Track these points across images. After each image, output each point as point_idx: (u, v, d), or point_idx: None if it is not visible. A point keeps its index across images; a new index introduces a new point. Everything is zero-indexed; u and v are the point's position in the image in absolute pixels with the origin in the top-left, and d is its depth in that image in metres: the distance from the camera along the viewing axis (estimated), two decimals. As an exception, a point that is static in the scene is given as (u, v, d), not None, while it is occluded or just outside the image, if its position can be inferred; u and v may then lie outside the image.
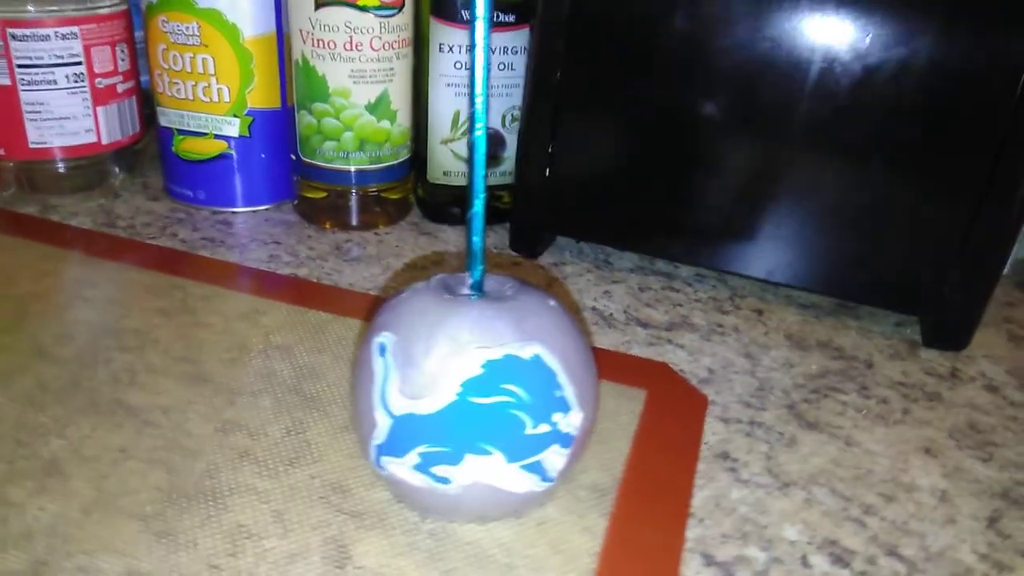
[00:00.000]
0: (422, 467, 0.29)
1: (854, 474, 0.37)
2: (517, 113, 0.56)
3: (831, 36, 0.45)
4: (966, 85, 0.43)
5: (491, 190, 0.58)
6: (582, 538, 0.32)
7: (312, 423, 0.37)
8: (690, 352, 0.46)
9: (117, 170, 0.60)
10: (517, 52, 0.54)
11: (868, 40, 0.44)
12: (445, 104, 0.55)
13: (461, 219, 0.59)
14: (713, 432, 0.39)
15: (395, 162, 0.56)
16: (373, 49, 0.52)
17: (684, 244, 0.52)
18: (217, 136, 0.55)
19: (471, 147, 0.31)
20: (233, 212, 0.58)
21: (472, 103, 0.30)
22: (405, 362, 0.29)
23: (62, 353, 0.40)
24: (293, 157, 0.56)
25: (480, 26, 0.29)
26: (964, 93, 0.44)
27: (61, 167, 0.57)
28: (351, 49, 0.51)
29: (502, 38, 0.53)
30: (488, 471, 0.29)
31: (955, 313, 0.48)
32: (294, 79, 0.53)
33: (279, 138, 0.57)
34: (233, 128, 0.55)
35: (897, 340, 0.49)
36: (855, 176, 0.47)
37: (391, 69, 0.53)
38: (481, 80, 0.30)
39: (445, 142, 0.56)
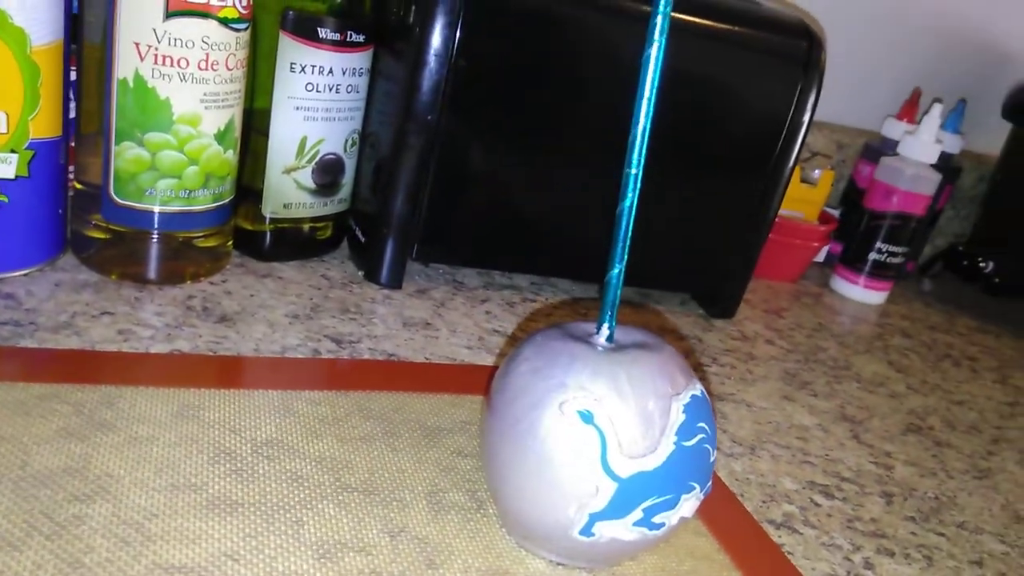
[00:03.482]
0: (644, 521, 0.30)
1: (751, 414, 0.47)
2: (357, 138, 0.52)
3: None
4: (748, 139, 0.57)
5: (329, 218, 0.53)
6: (698, 539, 0.36)
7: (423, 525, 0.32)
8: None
9: None
10: (362, 74, 0.50)
11: (677, 104, 0.54)
12: (292, 129, 0.48)
13: (311, 253, 0.54)
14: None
15: (229, 199, 0.47)
16: (228, 68, 0.43)
17: (542, 258, 0.57)
18: (-16, 179, 0.40)
19: (622, 214, 0.31)
20: (2, 279, 0.42)
21: (629, 169, 0.30)
22: (621, 425, 0.29)
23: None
24: (74, 191, 0.43)
25: (646, 99, 0.30)
26: (746, 143, 0.57)
27: None
28: (206, 69, 0.42)
29: (350, 59, 0.49)
30: (692, 506, 0.31)
31: (730, 295, 0.62)
32: (115, 102, 0.41)
33: (58, 176, 0.43)
34: (9, 168, 0.40)
35: (693, 316, 0.61)
36: (665, 198, 0.57)
37: (238, 91, 0.45)
38: (640, 145, 0.30)
39: (288, 171, 0.49)
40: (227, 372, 0.40)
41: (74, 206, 0.46)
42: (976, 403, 0.58)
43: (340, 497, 0.33)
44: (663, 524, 0.31)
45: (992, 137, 0.87)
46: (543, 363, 0.31)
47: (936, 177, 0.72)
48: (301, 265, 0.53)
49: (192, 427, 0.35)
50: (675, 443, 0.30)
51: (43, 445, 0.32)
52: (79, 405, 0.35)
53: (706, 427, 0.31)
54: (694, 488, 0.31)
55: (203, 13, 0.41)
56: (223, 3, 0.41)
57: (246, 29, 0.44)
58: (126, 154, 0.42)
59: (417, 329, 0.48)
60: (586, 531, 0.30)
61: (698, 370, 0.52)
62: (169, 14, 0.40)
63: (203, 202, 0.45)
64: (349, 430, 0.37)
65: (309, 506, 0.32)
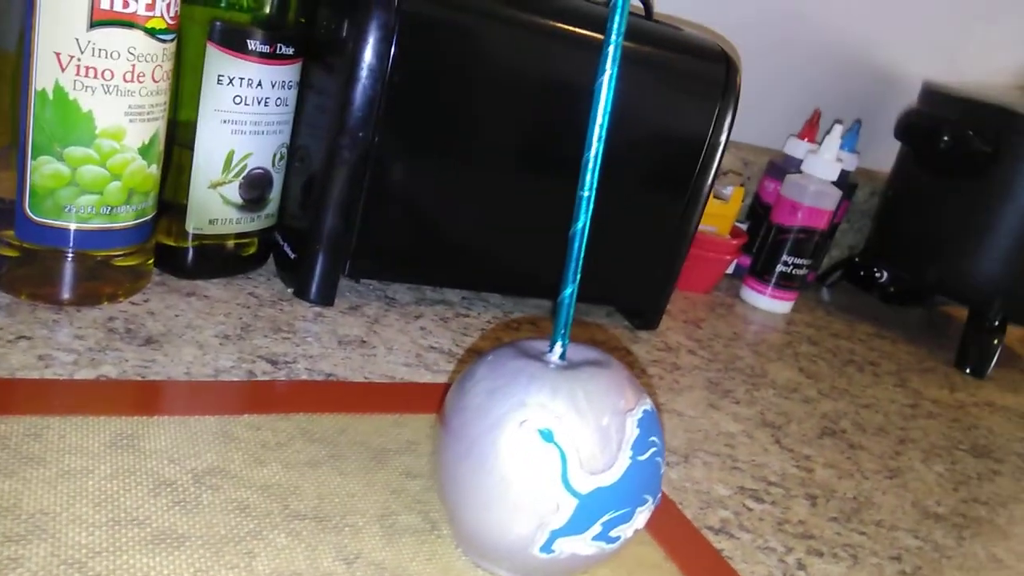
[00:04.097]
0: (601, 535, 0.30)
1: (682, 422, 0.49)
2: (285, 152, 0.51)
3: (582, 125, 0.55)
4: (671, 158, 0.59)
5: (255, 234, 0.52)
6: (644, 548, 0.36)
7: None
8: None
9: None
10: (291, 87, 0.49)
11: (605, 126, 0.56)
12: (218, 143, 0.46)
13: (236, 270, 0.52)
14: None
15: (152, 216, 0.45)
16: (155, 81, 0.41)
17: (474, 273, 0.57)
18: None
19: (575, 236, 0.31)
20: None
21: (582, 191, 0.31)
22: (581, 441, 0.29)
23: None
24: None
25: (600, 120, 0.30)
26: (668, 162, 0.59)
27: None
28: (131, 81, 0.40)
29: (279, 72, 0.48)
30: (645, 518, 0.32)
31: (654, 306, 0.64)
32: (32, 114, 0.39)
33: (-37, 190, 0.41)
34: (-91, 181, 0.37)
35: (620, 328, 0.63)
36: (594, 215, 0.59)
37: (164, 104, 0.43)
38: (593, 169, 0.31)
39: (214, 186, 0.47)
40: (160, 398, 0.38)
41: (-19, 223, 0.43)
42: (881, 406, 0.62)
43: (291, 525, 0.32)
44: (619, 537, 0.31)
45: (883, 154, 0.93)
46: (501, 383, 0.31)
47: (837, 193, 0.76)
48: (226, 283, 0.51)
49: (128, 458, 0.33)
50: (631, 458, 0.30)
51: (-35, 483, 0.30)
52: (2, 438, 0.32)
53: (657, 440, 0.32)
54: (647, 500, 0.32)
55: (129, 23, 0.39)
56: (150, 13, 0.40)
57: (172, 40, 0.42)
58: (43, 169, 0.40)
59: (353, 347, 0.47)
60: (546, 548, 0.30)
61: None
62: (93, 23, 0.38)
63: (125, 219, 0.43)
64: (293, 455, 0.36)
65: (259, 536, 0.31)
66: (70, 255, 0.43)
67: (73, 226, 0.42)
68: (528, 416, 0.30)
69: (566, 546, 0.30)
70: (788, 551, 0.40)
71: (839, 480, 0.49)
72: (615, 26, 0.31)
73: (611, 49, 0.30)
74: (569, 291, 0.33)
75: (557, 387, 0.31)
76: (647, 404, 0.33)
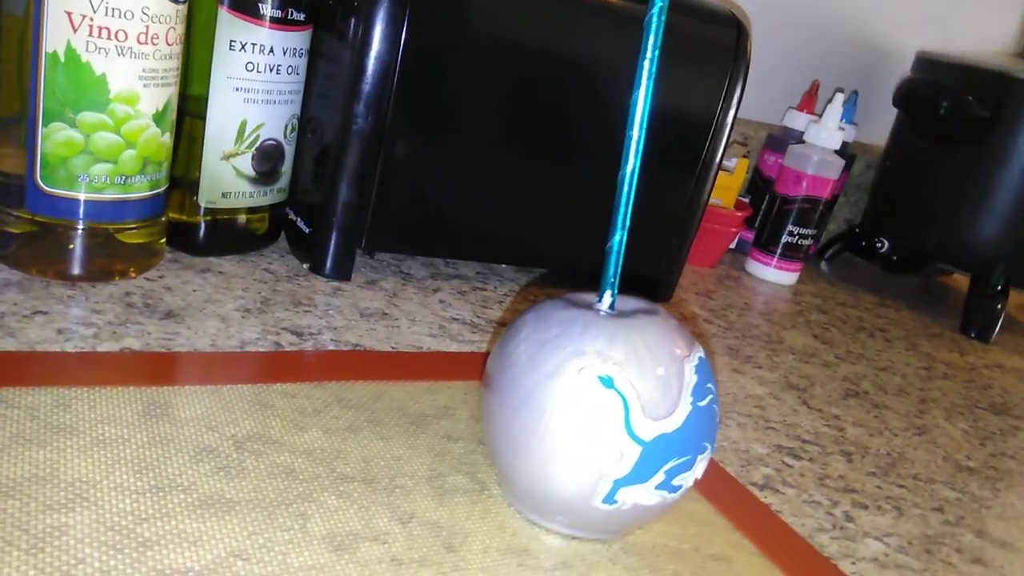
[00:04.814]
0: (664, 484, 0.29)
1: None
2: (296, 123, 0.49)
3: (596, 99, 0.54)
4: (684, 129, 0.58)
5: (266, 209, 0.50)
6: (695, 504, 0.36)
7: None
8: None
9: None
10: (302, 55, 0.48)
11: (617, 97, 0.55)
12: (231, 112, 0.45)
13: (249, 247, 0.50)
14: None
15: (164, 188, 0.44)
16: (168, 44, 0.40)
17: (490, 245, 0.56)
18: None
19: (623, 181, 0.31)
20: (-97, 279, 0.37)
21: (629, 134, 0.30)
22: (642, 388, 0.29)
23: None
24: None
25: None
26: (681, 133, 0.58)
27: None
28: (145, 43, 0.38)
29: (290, 38, 0.46)
30: (703, 467, 0.31)
31: (667, 277, 0.64)
32: (43, 78, 0.37)
33: (-31, 162, 0.39)
34: (-85, 150, 0.36)
35: (633, 302, 0.62)
36: (608, 189, 0.58)
37: (176, 69, 0.41)
38: (644, 110, 0.30)
39: (227, 157, 0.46)
40: (190, 368, 0.37)
41: (-13, 198, 0.41)
42: (897, 369, 0.62)
43: (340, 488, 0.31)
44: (680, 486, 0.31)
45: (875, 128, 0.94)
46: (553, 332, 0.30)
47: (840, 162, 0.76)
48: (239, 259, 0.49)
49: (164, 426, 0.32)
50: (691, 404, 0.30)
51: (0, 453, 0.28)
52: (31, 409, 0.31)
53: (712, 388, 0.32)
54: (706, 448, 0.31)
55: (142, -19, 0.38)
56: (163, -28, 0.38)
57: (185, 3, 0.41)
58: (55, 136, 0.38)
59: (376, 319, 0.46)
60: (609, 499, 0.29)
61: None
62: (106, -19, 0.37)
63: (139, 189, 0.41)
64: (332, 421, 0.35)
65: (310, 499, 0.30)
66: (81, 228, 0.41)
67: (85, 196, 0.40)
68: (586, 364, 0.29)
69: (629, 496, 0.30)
70: (834, 504, 0.40)
71: (870, 437, 0.49)
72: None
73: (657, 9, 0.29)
74: (618, 238, 0.32)
75: (614, 334, 0.30)
76: (700, 351, 0.32)
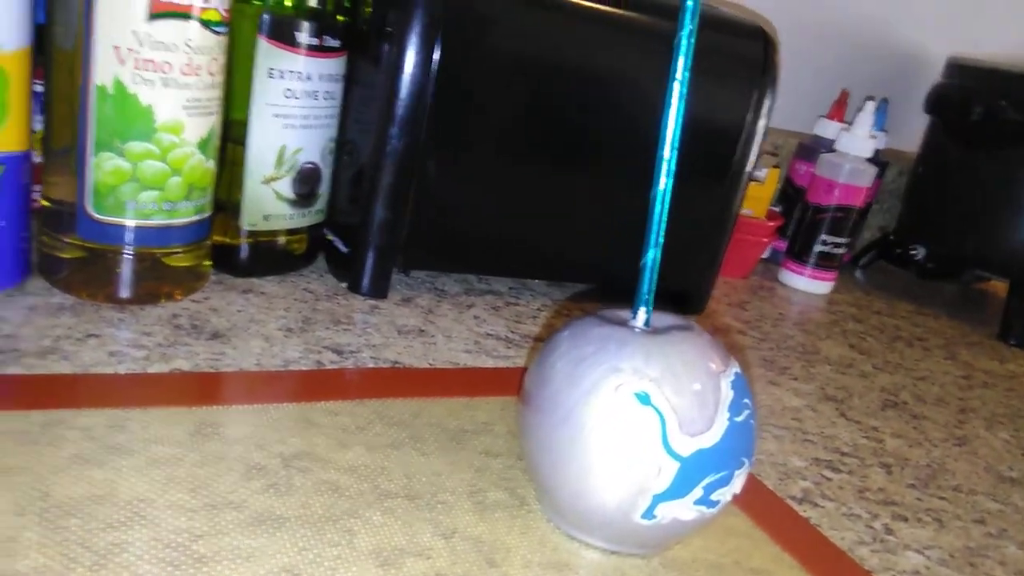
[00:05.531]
0: (703, 499, 0.30)
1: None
2: (333, 146, 0.51)
3: (625, 114, 0.55)
4: (713, 141, 0.59)
5: (305, 230, 0.51)
6: (733, 518, 0.36)
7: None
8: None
9: None
10: (337, 80, 0.49)
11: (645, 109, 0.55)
12: (270, 137, 0.46)
13: (288, 267, 0.52)
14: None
15: (209, 213, 0.45)
16: (210, 74, 0.41)
17: (523, 261, 0.57)
18: (-51, 197, 0.37)
19: (655, 200, 0.31)
20: (-36, 305, 0.39)
21: (661, 155, 0.31)
22: (678, 404, 0.29)
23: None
24: (42, 210, 0.40)
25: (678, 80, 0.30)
26: (710, 145, 0.59)
27: None
28: (189, 74, 0.40)
29: (326, 64, 0.48)
30: (741, 481, 0.31)
31: (700, 290, 0.64)
32: (92, 110, 0.39)
33: (25, 194, 0.40)
34: (-25, 183, 0.37)
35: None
36: (639, 203, 0.59)
37: (219, 98, 0.43)
38: (674, 132, 0.30)
39: (268, 181, 0.47)
40: (237, 387, 0.38)
41: (42, 226, 0.43)
42: (936, 378, 0.62)
43: (384, 504, 0.32)
44: (718, 501, 0.31)
45: (907, 134, 0.93)
46: (590, 350, 0.31)
47: (872, 170, 0.76)
48: (280, 280, 0.51)
49: (215, 445, 0.33)
50: (728, 419, 0.30)
51: (60, 474, 0.29)
52: (87, 430, 0.32)
53: (749, 403, 0.32)
54: (744, 463, 0.31)
55: (186, 15, 0.39)
56: (206, 4, 0.40)
57: (226, 33, 0.42)
58: (105, 165, 0.40)
59: (413, 336, 0.47)
60: (648, 514, 0.30)
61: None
62: (152, 15, 0.38)
63: (185, 214, 0.43)
64: (374, 438, 0.36)
65: (355, 515, 0.31)
66: (130, 253, 0.42)
67: (133, 222, 0.41)
68: (623, 381, 0.30)
69: (668, 511, 0.30)
70: (874, 517, 0.40)
71: (910, 448, 0.48)
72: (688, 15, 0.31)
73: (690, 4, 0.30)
74: (651, 255, 0.33)
75: (649, 351, 0.30)
76: (736, 367, 0.32)
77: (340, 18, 0.49)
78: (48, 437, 0.31)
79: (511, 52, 0.50)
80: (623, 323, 0.33)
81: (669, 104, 0.31)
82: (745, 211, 0.76)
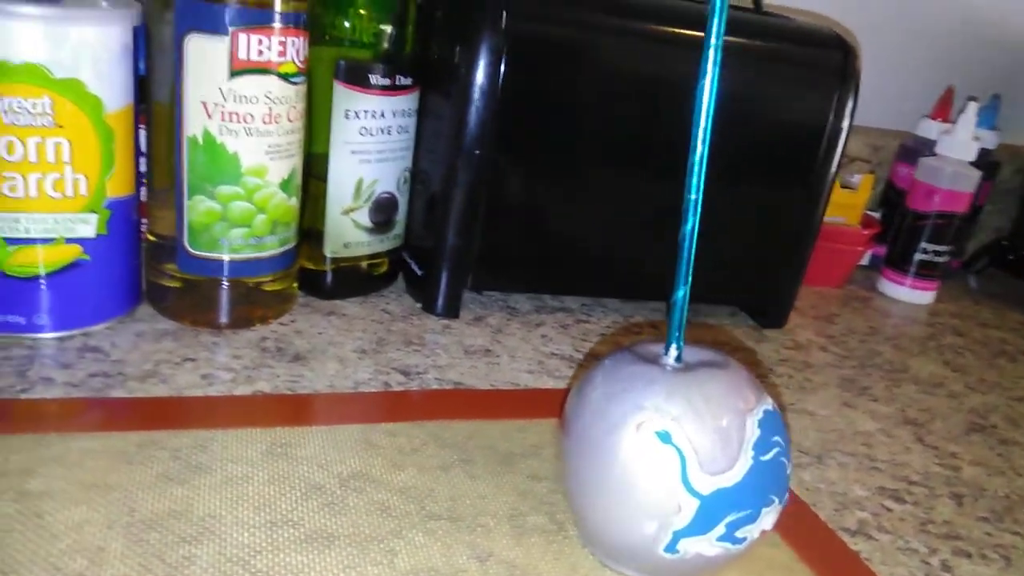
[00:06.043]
0: (726, 536, 0.31)
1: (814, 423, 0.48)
2: (408, 176, 0.54)
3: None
4: (791, 150, 0.58)
5: (384, 255, 0.55)
6: (774, 550, 0.36)
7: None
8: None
9: None
10: (410, 115, 0.52)
11: (720, 122, 0.56)
12: (348, 172, 0.50)
13: (370, 289, 0.56)
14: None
15: (294, 244, 0.49)
16: (289, 120, 0.45)
17: (592, 280, 0.58)
18: (69, 240, 0.42)
19: (684, 238, 0.32)
20: (84, 332, 0.45)
21: (689, 195, 0.32)
22: (699, 443, 0.30)
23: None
24: (147, 243, 0.45)
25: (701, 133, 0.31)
26: (788, 154, 0.58)
27: None
28: (270, 122, 0.44)
29: (399, 102, 0.51)
30: (772, 519, 0.32)
31: (779, 303, 0.63)
32: (185, 158, 0.43)
33: (133, 232, 0.46)
34: (89, 228, 0.43)
35: (744, 328, 0.62)
36: (713, 213, 0.59)
37: (299, 141, 0.47)
38: (699, 172, 0.31)
39: (347, 212, 0.51)
40: (308, 409, 0.41)
41: (148, 257, 0.49)
42: (1037, 399, 0.58)
43: (427, 525, 0.34)
44: (745, 538, 0.32)
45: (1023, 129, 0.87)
46: (618, 388, 0.32)
47: (976, 174, 0.72)
48: (362, 300, 0.54)
49: (282, 465, 0.37)
50: (752, 458, 0.31)
51: (147, 491, 0.34)
52: (175, 450, 0.36)
53: (780, 440, 0.32)
54: (774, 501, 0.32)
55: (264, 70, 0.43)
56: (282, 59, 0.44)
57: (304, 82, 0.46)
58: (199, 207, 0.45)
59: (479, 356, 0.50)
60: (671, 548, 0.31)
61: (761, 381, 0.53)
62: (233, 73, 0.42)
63: (271, 248, 0.47)
64: (427, 459, 0.39)
65: (399, 536, 0.34)
66: (225, 284, 0.47)
67: (227, 257, 0.46)
68: (645, 419, 0.31)
69: (691, 546, 0.31)
70: (932, 552, 0.39)
71: (988, 478, 0.46)
72: (714, 27, 0.31)
73: (711, 51, 0.31)
74: (681, 293, 0.33)
75: (673, 390, 0.31)
76: (768, 404, 0.33)
77: (413, 51, 0.52)
78: (141, 456, 0.36)
79: (574, 74, 0.52)
80: (655, 359, 0.34)
81: (695, 143, 0.32)
82: (837, 219, 0.74)
